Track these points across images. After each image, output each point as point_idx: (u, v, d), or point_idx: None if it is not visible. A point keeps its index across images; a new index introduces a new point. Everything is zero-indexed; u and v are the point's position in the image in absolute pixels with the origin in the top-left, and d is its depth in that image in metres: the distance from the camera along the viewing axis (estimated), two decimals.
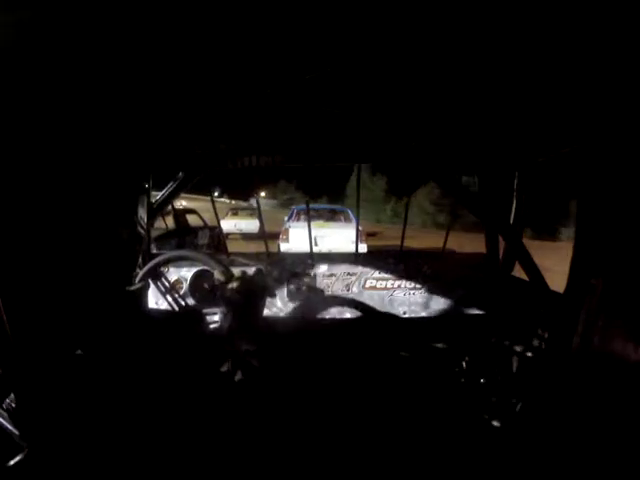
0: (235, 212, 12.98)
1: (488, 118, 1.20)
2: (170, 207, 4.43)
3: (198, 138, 1.53)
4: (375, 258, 2.04)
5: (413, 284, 1.95)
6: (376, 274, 1.97)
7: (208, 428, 1.39)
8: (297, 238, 6.64)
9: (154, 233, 3.69)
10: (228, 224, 11.55)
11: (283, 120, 1.30)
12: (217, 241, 5.90)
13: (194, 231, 5.80)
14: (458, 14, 0.65)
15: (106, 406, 1.13)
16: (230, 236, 11.21)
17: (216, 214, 2.29)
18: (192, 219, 6.19)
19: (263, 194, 40.85)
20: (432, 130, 1.42)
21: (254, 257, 2.11)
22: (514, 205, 1.83)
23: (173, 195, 1.90)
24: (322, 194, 27.68)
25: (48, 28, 0.66)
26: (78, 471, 1.01)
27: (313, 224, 2.34)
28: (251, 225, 11.74)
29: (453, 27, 0.69)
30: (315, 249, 2.08)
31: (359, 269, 1.99)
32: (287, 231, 6.84)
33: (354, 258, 2.03)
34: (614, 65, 0.78)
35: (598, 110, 0.98)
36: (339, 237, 6.49)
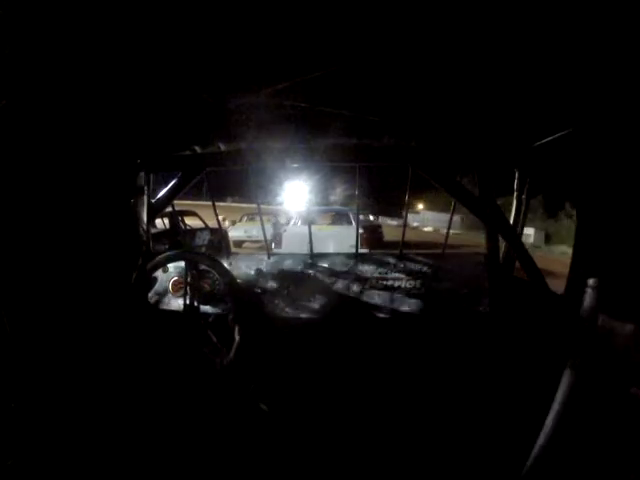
0: (252, 217, 11.32)
1: (485, 106, 1.18)
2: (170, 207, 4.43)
3: (198, 138, 1.54)
4: (375, 258, 2.04)
5: (413, 284, 1.94)
6: (376, 274, 1.97)
7: (210, 429, 1.39)
8: (290, 242, 6.60)
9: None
10: (237, 231, 10.54)
11: (283, 119, 1.30)
12: (218, 243, 5.90)
13: (191, 232, 5.79)
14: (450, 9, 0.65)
15: (106, 406, 1.13)
16: (244, 244, 10.27)
17: (216, 215, 2.30)
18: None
19: (421, 206, 28.37)
20: (431, 129, 1.42)
21: (254, 258, 2.12)
22: (514, 205, 1.83)
23: (173, 195, 1.90)
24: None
25: (43, 21, 0.66)
26: (78, 471, 1.01)
27: (313, 227, 2.37)
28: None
29: (448, 20, 0.69)
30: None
31: (359, 269, 1.99)
32: (280, 235, 6.88)
33: (354, 258, 2.03)
34: (610, 46, 0.77)
35: (597, 93, 0.96)
36: (338, 239, 6.31)
